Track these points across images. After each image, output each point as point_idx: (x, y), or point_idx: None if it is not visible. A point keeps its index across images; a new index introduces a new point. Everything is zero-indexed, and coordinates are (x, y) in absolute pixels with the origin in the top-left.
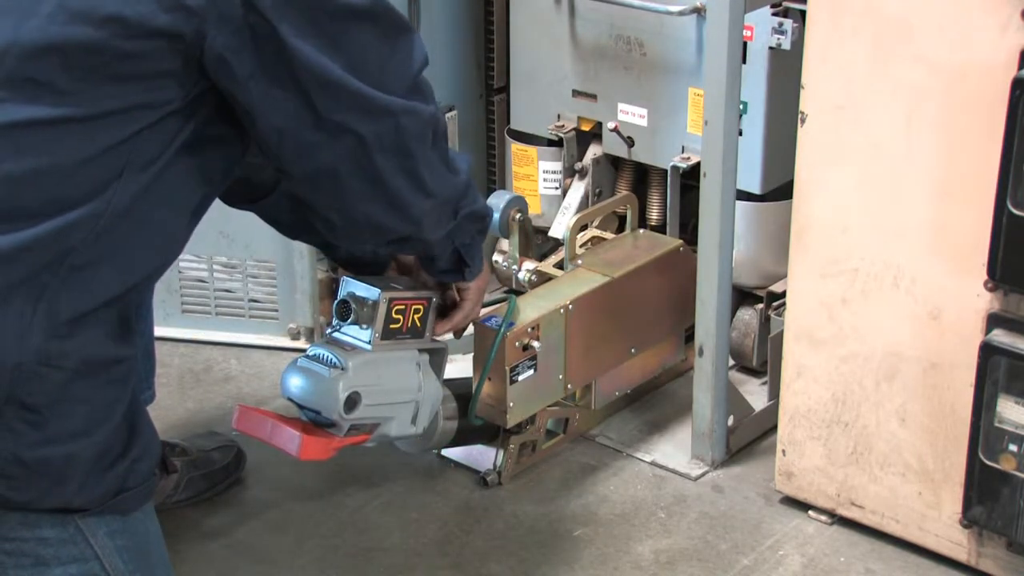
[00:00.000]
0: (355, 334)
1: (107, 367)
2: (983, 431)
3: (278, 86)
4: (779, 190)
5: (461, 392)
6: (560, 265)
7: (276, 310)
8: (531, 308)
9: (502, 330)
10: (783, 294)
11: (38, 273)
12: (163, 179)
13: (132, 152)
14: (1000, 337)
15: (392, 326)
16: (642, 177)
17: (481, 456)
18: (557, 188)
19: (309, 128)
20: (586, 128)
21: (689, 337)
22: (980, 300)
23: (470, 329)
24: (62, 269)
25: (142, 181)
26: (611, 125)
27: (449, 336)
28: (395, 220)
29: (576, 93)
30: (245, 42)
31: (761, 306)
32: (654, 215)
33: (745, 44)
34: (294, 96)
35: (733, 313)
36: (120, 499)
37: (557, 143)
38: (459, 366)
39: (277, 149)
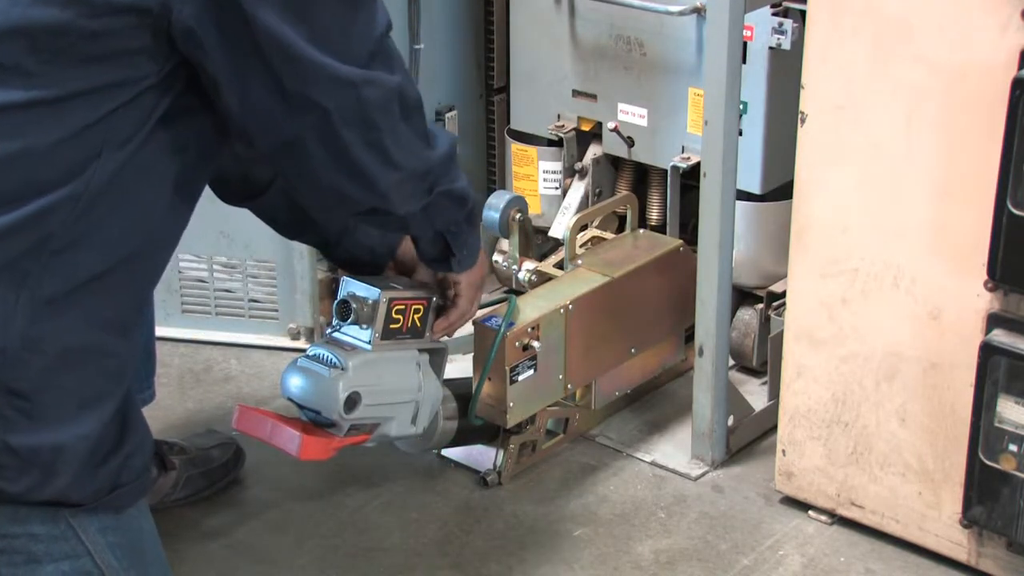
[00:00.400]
0: (355, 334)
1: (96, 359)
2: (983, 431)
3: (242, 57)
4: (779, 190)
5: (461, 392)
6: (560, 265)
7: (276, 310)
8: (531, 308)
9: (502, 330)
10: (783, 294)
11: (19, 258)
12: (140, 155)
13: (109, 131)
14: (1000, 337)
15: (392, 326)
16: (642, 177)
17: (481, 456)
18: (557, 188)
19: (274, 101)
20: (586, 128)
21: (689, 337)
22: (980, 300)
23: (469, 328)
24: (43, 254)
25: (120, 159)
26: (611, 125)
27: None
28: (361, 192)
29: (576, 93)
30: (209, 11)
31: (761, 306)
32: (654, 215)
33: (745, 44)
34: (258, 67)
35: (733, 313)
36: (114, 495)
37: (557, 143)
38: (459, 366)
39: (243, 121)
